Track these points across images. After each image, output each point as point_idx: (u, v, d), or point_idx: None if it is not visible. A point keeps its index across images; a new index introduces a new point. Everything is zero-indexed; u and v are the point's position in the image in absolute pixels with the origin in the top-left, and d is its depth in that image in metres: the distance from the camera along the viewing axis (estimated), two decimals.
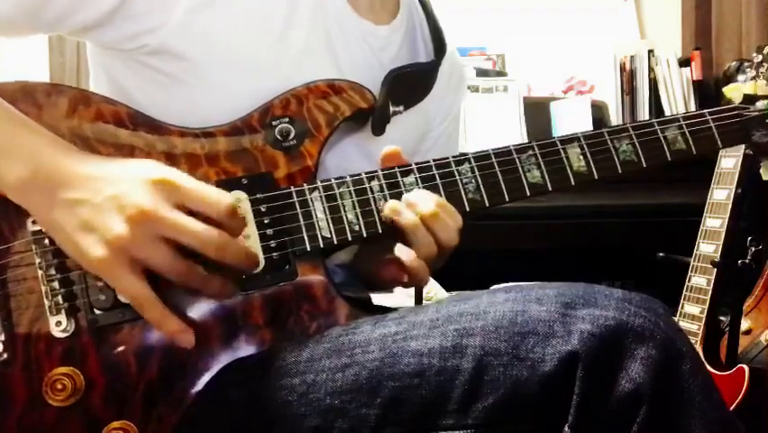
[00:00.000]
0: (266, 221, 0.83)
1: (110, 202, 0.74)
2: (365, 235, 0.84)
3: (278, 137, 0.86)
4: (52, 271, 0.79)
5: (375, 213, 0.85)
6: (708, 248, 1.87)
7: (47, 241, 0.79)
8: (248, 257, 0.78)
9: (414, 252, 0.84)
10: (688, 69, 2.66)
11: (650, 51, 2.67)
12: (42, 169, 0.77)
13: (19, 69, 2.53)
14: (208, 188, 0.77)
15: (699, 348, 1.83)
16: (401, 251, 0.84)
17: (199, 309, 0.80)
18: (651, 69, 2.66)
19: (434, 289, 2.21)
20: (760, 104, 0.96)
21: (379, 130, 0.93)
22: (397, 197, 0.85)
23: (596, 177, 0.89)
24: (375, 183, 0.86)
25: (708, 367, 1.47)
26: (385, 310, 0.88)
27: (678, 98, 2.64)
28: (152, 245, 0.73)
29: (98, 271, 0.76)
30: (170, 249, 0.74)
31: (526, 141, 0.91)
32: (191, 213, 0.75)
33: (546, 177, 0.88)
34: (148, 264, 0.74)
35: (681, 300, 1.91)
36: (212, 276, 0.77)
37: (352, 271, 0.98)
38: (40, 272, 0.79)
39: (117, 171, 0.77)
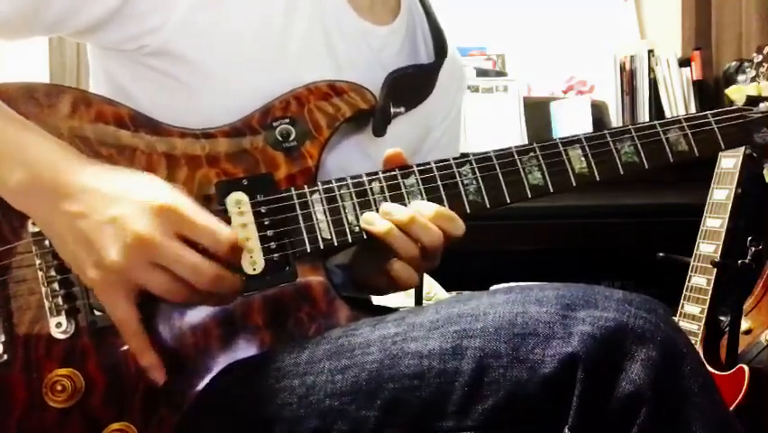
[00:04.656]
0: (266, 222, 0.83)
1: (110, 223, 0.74)
2: (365, 237, 0.84)
3: (279, 138, 0.86)
4: (52, 273, 0.79)
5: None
6: (708, 248, 1.87)
7: (47, 242, 0.79)
8: (239, 290, 0.79)
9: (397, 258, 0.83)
10: (688, 69, 2.65)
11: (650, 51, 2.67)
12: (44, 176, 0.76)
13: (19, 69, 2.52)
14: (212, 221, 0.76)
15: (699, 348, 1.82)
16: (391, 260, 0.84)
17: (199, 311, 0.81)
18: (651, 69, 2.66)
19: (434, 289, 2.21)
20: (763, 105, 0.95)
21: (380, 131, 0.93)
22: (398, 198, 0.85)
23: (597, 179, 0.88)
24: (376, 185, 0.86)
25: (708, 367, 1.47)
26: (385, 311, 0.88)
27: (678, 98, 2.64)
28: (148, 271, 0.74)
29: (92, 287, 0.77)
30: (167, 274, 0.74)
31: (526, 141, 0.91)
32: (190, 242, 0.75)
33: (548, 178, 0.87)
34: (144, 288, 0.75)
35: (681, 300, 1.91)
36: (209, 295, 0.77)
37: (347, 275, 0.97)
38: (40, 274, 0.79)
39: (121, 190, 0.76)
